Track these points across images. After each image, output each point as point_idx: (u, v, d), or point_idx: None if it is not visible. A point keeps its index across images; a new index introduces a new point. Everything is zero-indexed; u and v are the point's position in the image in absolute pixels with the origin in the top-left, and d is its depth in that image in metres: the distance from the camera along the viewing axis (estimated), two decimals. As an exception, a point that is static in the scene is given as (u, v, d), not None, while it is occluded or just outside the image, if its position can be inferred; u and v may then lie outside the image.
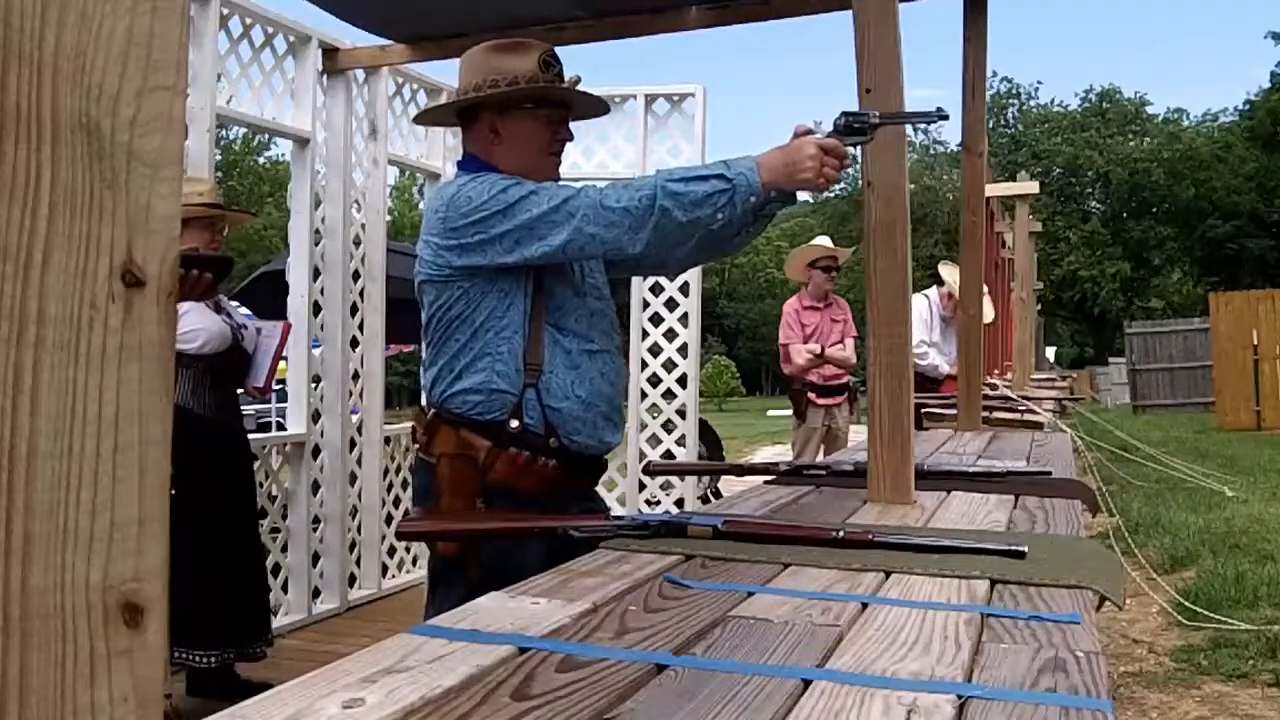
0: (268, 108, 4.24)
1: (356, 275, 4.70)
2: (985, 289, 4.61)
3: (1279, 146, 36.99)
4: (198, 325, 3.23)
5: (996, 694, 0.90)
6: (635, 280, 5.39)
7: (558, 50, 2.03)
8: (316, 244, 4.48)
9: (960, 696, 0.89)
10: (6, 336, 0.45)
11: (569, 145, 2.07)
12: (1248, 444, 12.24)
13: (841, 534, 1.52)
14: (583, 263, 2.01)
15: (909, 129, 2.09)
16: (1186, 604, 4.45)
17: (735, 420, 21.49)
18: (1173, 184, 40.24)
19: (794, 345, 5.97)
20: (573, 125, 2.07)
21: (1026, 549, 1.42)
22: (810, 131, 1.86)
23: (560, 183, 1.95)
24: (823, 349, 5.89)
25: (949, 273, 6.34)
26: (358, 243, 4.72)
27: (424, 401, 2.05)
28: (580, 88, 2.04)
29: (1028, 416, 4.80)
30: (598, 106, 2.15)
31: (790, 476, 2.41)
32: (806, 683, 0.93)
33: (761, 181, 1.78)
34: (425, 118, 2.39)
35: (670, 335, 5.42)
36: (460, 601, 1.76)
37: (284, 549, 4.34)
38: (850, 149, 1.84)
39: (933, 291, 6.61)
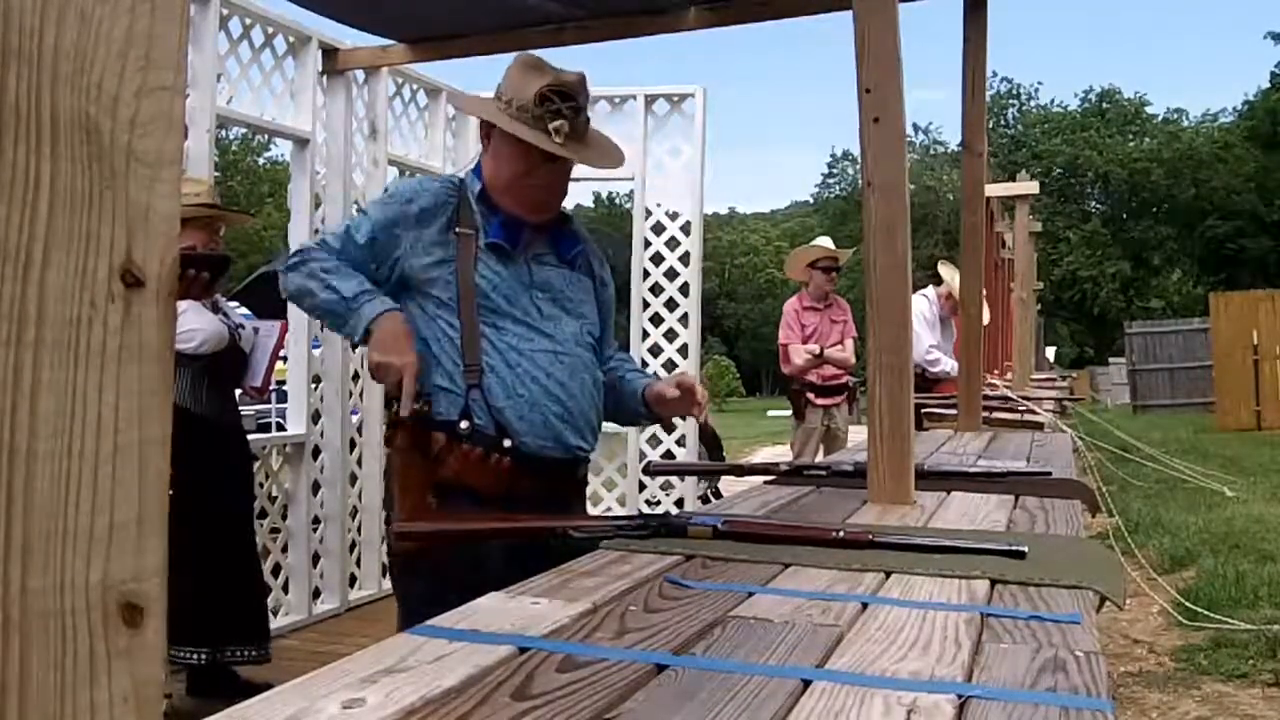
0: (267, 108, 4.24)
1: (356, 275, 4.70)
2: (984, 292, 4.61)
3: (1279, 146, 36.99)
4: (194, 325, 3.23)
5: (996, 694, 0.90)
6: (635, 280, 5.40)
7: (551, 49, 2.03)
8: (316, 244, 4.47)
9: (960, 696, 0.89)
10: (6, 337, 0.45)
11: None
12: (1248, 444, 12.24)
13: (841, 534, 1.52)
14: (528, 259, 2.00)
15: (910, 129, 2.09)
16: (1186, 604, 4.45)
17: (735, 420, 21.48)
18: (1173, 184, 40.27)
19: (793, 345, 5.97)
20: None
21: (1026, 549, 1.42)
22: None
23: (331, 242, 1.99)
24: (822, 349, 5.89)
25: (948, 272, 6.34)
26: (358, 243, 4.72)
27: None
28: (551, 149, 1.93)
29: (1028, 417, 4.80)
30: (602, 159, 2.03)
31: (790, 476, 2.41)
32: (806, 683, 0.93)
33: (364, 332, 1.86)
34: (466, 104, 2.51)
35: (670, 335, 5.42)
36: (428, 592, 1.72)
37: (284, 549, 4.34)
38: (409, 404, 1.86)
39: (931, 291, 6.60)
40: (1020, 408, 4.93)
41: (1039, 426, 4.55)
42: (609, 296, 2.20)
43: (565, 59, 2.03)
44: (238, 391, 3.65)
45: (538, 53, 2.07)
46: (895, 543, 1.50)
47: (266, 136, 10.38)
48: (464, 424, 1.87)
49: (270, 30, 4.20)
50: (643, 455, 5.34)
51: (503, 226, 1.98)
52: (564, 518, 1.69)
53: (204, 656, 3.28)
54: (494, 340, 1.91)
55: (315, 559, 4.48)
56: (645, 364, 5.37)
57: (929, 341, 6.09)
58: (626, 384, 2.14)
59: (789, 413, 6.57)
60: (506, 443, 1.88)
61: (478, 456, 1.87)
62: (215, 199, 3.46)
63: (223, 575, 3.32)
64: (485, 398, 1.88)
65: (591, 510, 2.37)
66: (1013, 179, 12.22)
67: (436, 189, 2.01)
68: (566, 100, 1.93)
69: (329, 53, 4.51)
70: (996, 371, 8.01)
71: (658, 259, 5.38)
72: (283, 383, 4.65)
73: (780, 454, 10.60)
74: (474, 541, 1.82)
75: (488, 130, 2.02)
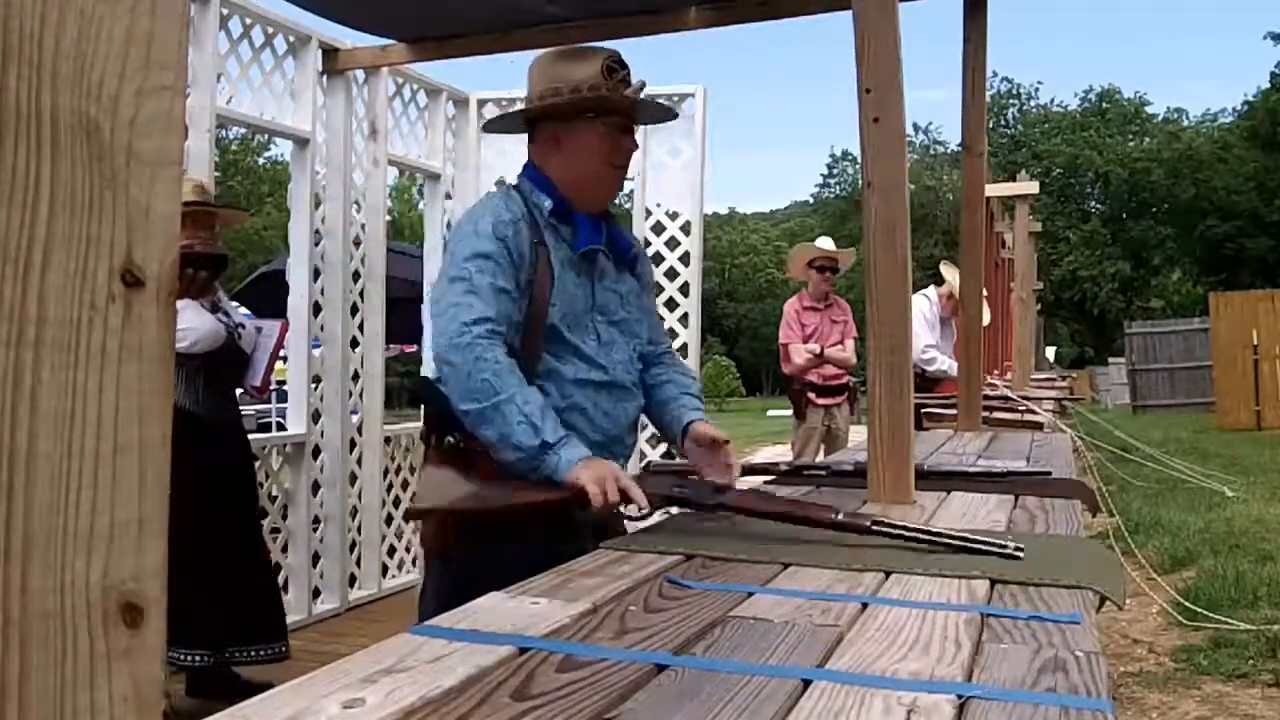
0: (268, 108, 4.24)
1: (356, 276, 4.70)
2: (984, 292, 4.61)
3: (1279, 146, 37.00)
4: (189, 324, 3.23)
5: (996, 694, 0.90)
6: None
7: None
8: (316, 244, 4.48)
9: (960, 696, 0.89)
10: (6, 337, 0.45)
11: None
12: (1248, 444, 12.24)
13: (840, 516, 1.53)
14: (594, 276, 1.95)
15: (910, 129, 2.09)
16: (1186, 604, 4.45)
17: (735, 420, 21.49)
18: (1173, 184, 40.28)
19: (794, 345, 5.97)
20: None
21: (1023, 554, 1.42)
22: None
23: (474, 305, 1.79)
24: (822, 349, 5.89)
25: (950, 273, 6.33)
26: (357, 243, 4.72)
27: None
28: (651, 102, 1.99)
29: (1028, 416, 4.80)
30: (663, 113, 2.10)
31: (790, 476, 2.41)
32: (806, 683, 0.93)
33: (567, 480, 1.73)
34: (494, 126, 2.34)
35: (670, 335, 5.42)
36: (445, 586, 1.71)
37: (284, 549, 4.34)
38: (641, 505, 1.76)
39: (931, 291, 6.60)
40: (1020, 408, 4.93)
41: (1039, 426, 4.55)
42: (653, 297, 2.19)
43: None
44: (238, 391, 3.65)
45: (531, 54, 2.04)
46: (892, 533, 1.50)
47: (266, 136, 10.38)
48: None
49: (270, 30, 4.20)
50: (643, 455, 5.34)
51: (589, 230, 1.93)
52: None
53: (205, 658, 3.28)
54: (550, 368, 1.87)
55: (315, 559, 4.48)
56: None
57: (925, 341, 6.09)
58: (671, 408, 2.05)
59: (789, 413, 6.57)
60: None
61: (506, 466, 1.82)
62: (205, 196, 3.44)
63: (225, 576, 3.31)
64: None
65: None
66: (1013, 179, 12.22)
67: (517, 213, 1.90)
68: (625, 68, 1.94)
69: (329, 53, 4.51)
70: (996, 371, 8.01)
71: (658, 259, 5.38)
72: (283, 383, 4.65)
73: (780, 454, 10.59)
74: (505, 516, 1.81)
75: (554, 132, 1.94)
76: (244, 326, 3.50)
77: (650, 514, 1.76)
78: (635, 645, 1.04)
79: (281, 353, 3.74)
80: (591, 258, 1.95)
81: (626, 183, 5.39)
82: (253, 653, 3.42)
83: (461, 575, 1.78)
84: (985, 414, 4.19)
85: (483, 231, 1.84)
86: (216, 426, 3.38)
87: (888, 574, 1.37)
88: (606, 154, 1.94)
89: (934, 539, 1.48)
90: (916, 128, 44.38)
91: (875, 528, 1.52)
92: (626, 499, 1.72)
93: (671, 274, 5.38)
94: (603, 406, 1.91)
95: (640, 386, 2.03)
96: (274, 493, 4.33)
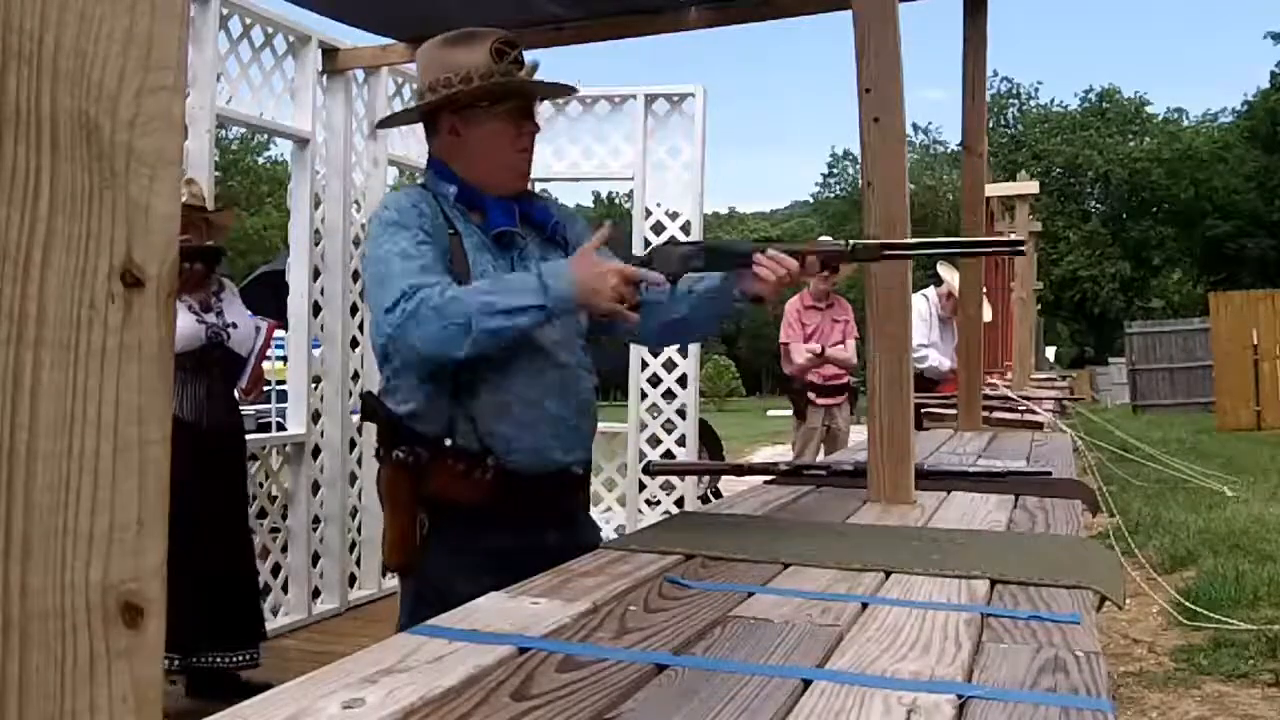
0: (267, 108, 4.24)
1: (356, 275, 4.70)
2: (984, 289, 4.61)
3: (1279, 146, 37.00)
4: None
5: (996, 694, 0.90)
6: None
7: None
8: (316, 244, 4.48)
9: (960, 696, 0.89)
10: (6, 336, 0.45)
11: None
12: (1248, 444, 12.24)
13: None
14: (513, 256, 1.90)
15: (910, 129, 2.09)
16: (1186, 604, 4.45)
17: (735, 420, 21.48)
18: (1173, 184, 40.26)
19: (794, 345, 5.97)
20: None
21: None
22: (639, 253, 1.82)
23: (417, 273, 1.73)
24: (823, 349, 5.89)
25: (948, 272, 6.34)
26: (357, 243, 4.72)
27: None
28: (546, 84, 1.93)
29: (1028, 416, 4.79)
30: (559, 90, 2.05)
31: (790, 476, 2.41)
32: (806, 683, 0.93)
33: (576, 302, 1.72)
34: (389, 122, 2.29)
35: (670, 335, 5.42)
36: (415, 603, 1.70)
37: (284, 549, 4.34)
38: (657, 282, 1.76)
39: (931, 291, 6.60)
40: (1020, 408, 4.93)
41: (1039, 426, 4.55)
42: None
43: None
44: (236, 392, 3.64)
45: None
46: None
47: (266, 136, 10.38)
48: (448, 440, 1.80)
49: (270, 30, 4.20)
50: (642, 455, 5.34)
51: (500, 213, 1.88)
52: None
53: (172, 661, 3.23)
54: (489, 359, 1.79)
55: (315, 559, 4.48)
56: (644, 363, 5.37)
57: (918, 339, 6.10)
58: (698, 291, 1.91)
59: (789, 412, 6.57)
60: (490, 460, 1.80)
61: (460, 471, 1.80)
62: (200, 201, 3.41)
63: (201, 579, 3.20)
64: (471, 416, 1.80)
65: (593, 511, 2.28)
66: (1013, 179, 12.23)
67: (420, 197, 1.87)
68: (514, 48, 1.88)
69: (329, 52, 4.51)
70: (996, 371, 8.01)
71: (658, 259, 5.37)
72: (283, 383, 4.65)
73: (781, 454, 10.59)
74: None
75: (451, 124, 1.89)
76: (235, 326, 3.46)
77: (674, 286, 1.79)
78: (635, 645, 1.04)
79: (280, 353, 3.73)
80: (507, 240, 1.89)
81: (626, 182, 5.45)
82: (221, 659, 3.36)
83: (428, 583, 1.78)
84: (985, 414, 4.19)
85: (387, 219, 1.81)
86: (206, 431, 3.34)
87: (888, 574, 1.37)
88: (510, 140, 1.89)
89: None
90: (916, 128, 44.38)
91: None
92: (636, 282, 1.72)
93: (671, 274, 5.37)
94: (548, 392, 1.85)
95: (590, 368, 1.96)
96: (274, 493, 4.32)
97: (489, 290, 1.72)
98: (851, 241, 1.76)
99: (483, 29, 1.90)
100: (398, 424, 1.82)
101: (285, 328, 4.53)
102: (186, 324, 3.27)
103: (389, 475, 1.83)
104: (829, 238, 7.22)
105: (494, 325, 1.69)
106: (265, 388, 5.01)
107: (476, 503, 1.81)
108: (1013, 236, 10.15)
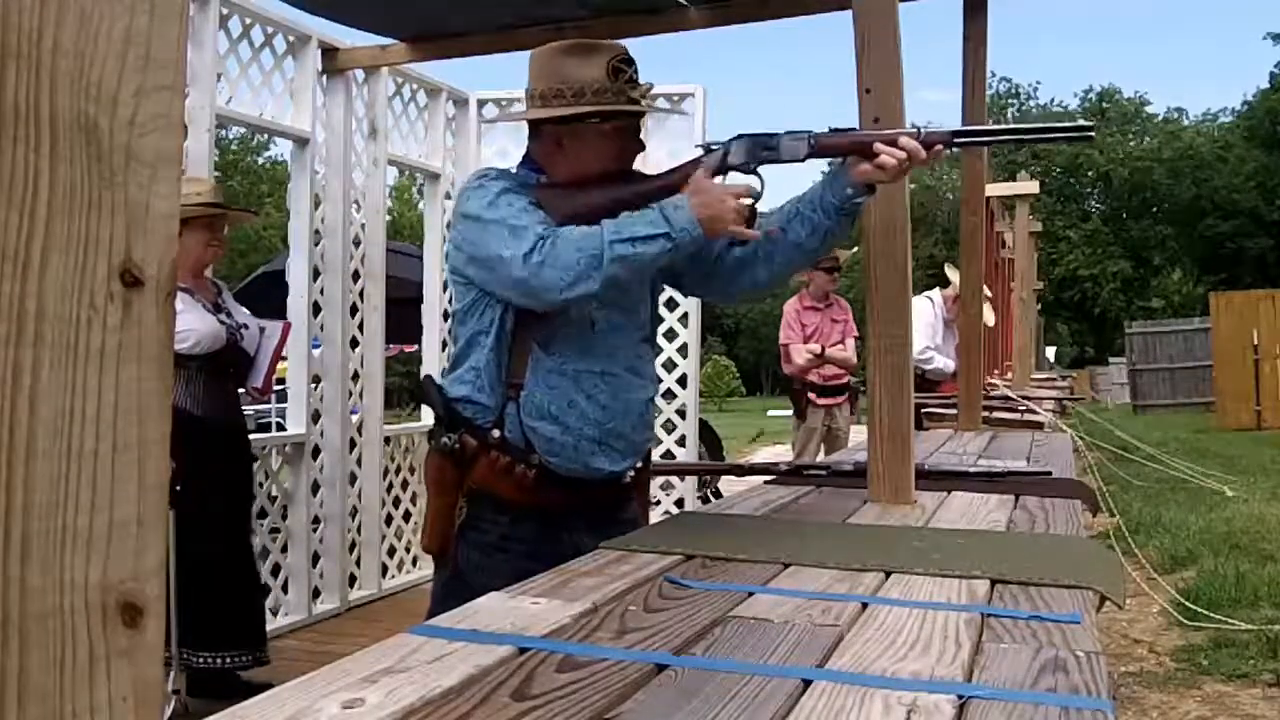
0: (267, 108, 4.24)
1: (356, 275, 4.70)
2: (988, 294, 4.61)
3: (1279, 146, 37.01)
4: (190, 325, 3.21)
5: (996, 694, 0.90)
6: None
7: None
8: (316, 244, 4.47)
9: (960, 696, 0.89)
10: (6, 336, 0.45)
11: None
12: (1248, 444, 12.24)
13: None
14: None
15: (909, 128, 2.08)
16: (1187, 604, 4.45)
17: (735, 420, 21.47)
18: (1173, 183, 40.26)
19: (794, 345, 5.97)
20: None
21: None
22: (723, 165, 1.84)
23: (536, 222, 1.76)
24: (823, 349, 5.88)
25: (955, 274, 6.32)
26: (357, 243, 4.72)
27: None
28: (658, 108, 1.93)
29: (1028, 416, 4.80)
30: (670, 112, 2.06)
31: (790, 476, 2.41)
32: (806, 683, 0.93)
33: (700, 228, 1.73)
34: (496, 120, 2.31)
35: (670, 335, 5.41)
36: (444, 591, 1.72)
37: (284, 549, 4.33)
38: (754, 191, 1.79)
39: (936, 294, 6.58)
40: (1020, 408, 4.93)
41: (1039, 426, 4.55)
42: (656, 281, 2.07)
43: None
44: (240, 391, 3.64)
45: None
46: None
47: (266, 136, 10.38)
48: (496, 433, 1.82)
49: (270, 30, 4.20)
50: (643, 455, 5.33)
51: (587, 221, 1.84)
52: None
53: (213, 660, 3.25)
54: (542, 360, 1.82)
55: (315, 559, 4.48)
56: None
57: (923, 343, 6.09)
58: (795, 211, 1.91)
59: (789, 412, 6.57)
60: (533, 458, 1.82)
61: (504, 465, 1.81)
62: (218, 198, 3.45)
63: (200, 577, 3.19)
64: (519, 413, 1.82)
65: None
66: (1013, 179, 12.22)
67: (516, 181, 1.86)
68: (632, 65, 1.86)
69: (329, 52, 4.50)
70: (997, 371, 8.01)
71: (658, 259, 5.37)
72: (283, 382, 4.64)
73: (781, 454, 10.59)
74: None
75: (557, 135, 1.86)
76: (247, 326, 3.49)
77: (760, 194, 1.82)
78: (635, 645, 1.04)
79: (281, 353, 3.74)
80: None
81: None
82: (216, 659, 3.35)
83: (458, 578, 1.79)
84: (985, 414, 4.19)
85: (499, 187, 1.81)
86: (216, 428, 3.37)
87: (888, 574, 1.37)
88: (612, 159, 1.88)
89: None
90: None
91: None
92: (747, 195, 1.77)
93: (671, 274, 5.37)
94: (598, 399, 1.85)
95: (648, 375, 1.97)
96: (274, 493, 4.32)
97: (615, 225, 1.74)
98: (921, 129, 1.80)
99: (603, 42, 1.88)
100: (452, 409, 1.84)
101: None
102: (210, 324, 3.30)
103: (435, 461, 1.86)
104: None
105: (623, 252, 1.70)
106: (272, 389, 5.03)
107: (517, 499, 1.82)
108: (1012, 236, 10.16)
